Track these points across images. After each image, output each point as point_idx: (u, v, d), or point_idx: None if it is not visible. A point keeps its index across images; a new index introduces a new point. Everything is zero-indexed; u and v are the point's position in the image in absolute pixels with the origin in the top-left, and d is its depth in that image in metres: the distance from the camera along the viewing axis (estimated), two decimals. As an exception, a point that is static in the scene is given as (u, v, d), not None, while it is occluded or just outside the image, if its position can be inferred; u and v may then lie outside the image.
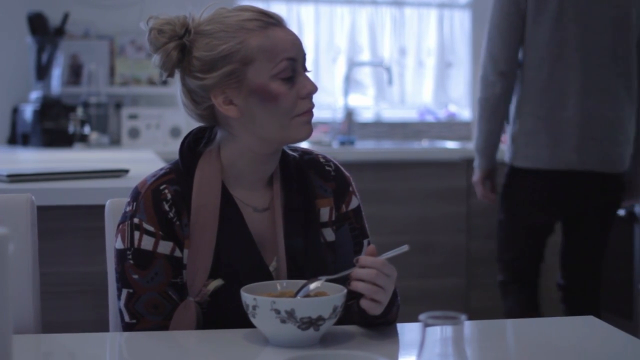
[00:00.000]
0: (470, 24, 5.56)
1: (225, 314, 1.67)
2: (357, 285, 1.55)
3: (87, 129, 4.60)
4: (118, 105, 4.97)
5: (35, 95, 4.65)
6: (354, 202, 1.85)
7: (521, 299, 3.49)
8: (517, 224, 3.44)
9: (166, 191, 1.69)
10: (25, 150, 4.48)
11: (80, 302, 2.33)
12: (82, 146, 4.56)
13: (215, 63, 1.67)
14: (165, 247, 1.67)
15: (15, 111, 4.80)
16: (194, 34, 1.70)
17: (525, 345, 1.62)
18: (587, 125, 3.26)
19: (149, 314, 1.67)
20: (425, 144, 5.33)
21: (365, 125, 5.47)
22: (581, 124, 3.25)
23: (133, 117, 4.88)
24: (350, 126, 5.24)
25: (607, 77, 3.26)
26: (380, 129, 5.50)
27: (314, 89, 1.70)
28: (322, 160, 1.86)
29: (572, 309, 3.50)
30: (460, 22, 5.60)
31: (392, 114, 5.57)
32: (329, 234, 1.80)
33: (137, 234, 1.67)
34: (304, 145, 1.81)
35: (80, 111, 4.61)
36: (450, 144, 5.14)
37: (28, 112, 4.60)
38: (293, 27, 5.35)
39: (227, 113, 1.69)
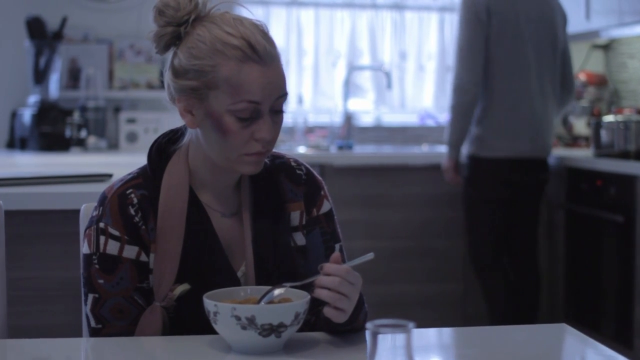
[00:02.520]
0: (472, 27, 5.52)
1: (192, 319, 1.65)
2: (320, 293, 1.53)
3: (83, 133, 4.59)
4: (117, 109, 4.97)
5: (33, 99, 4.65)
6: (326, 206, 1.82)
7: (499, 279, 4.28)
8: (485, 201, 4.24)
9: (132, 195, 1.68)
10: (22, 154, 4.47)
11: (58, 307, 2.32)
12: (79, 150, 4.55)
13: (186, 72, 1.64)
14: (130, 251, 1.66)
15: (14, 115, 4.80)
16: (191, 27, 1.65)
17: (495, 352, 1.59)
18: (536, 123, 4.19)
19: (114, 319, 1.65)
20: (425, 148, 5.30)
21: (365, 129, 5.45)
22: (532, 122, 4.18)
23: (131, 121, 4.87)
24: (350, 130, 5.22)
25: (545, 86, 4.22)
26: (381, 133, 5.48)
27: (269, 137, 1.62)
28: (293, 164, 1.83)
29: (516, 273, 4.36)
30: (462, 26, 5.56)
31: (393, 118, 5.55)
32: (299, 238, 1.78)
33: (102, 238, 1.66)
34: (275, 149, 1.77)
35: (77, 115, 4.61)
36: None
37: (26, 116, 4.60)
38: (292, 31, 5.33)
39: (184, 120, 1.68)
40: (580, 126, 5.15)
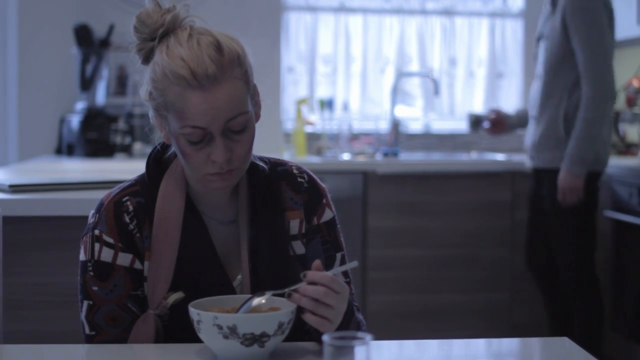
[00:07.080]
0: (523, 33, 5.45)
1: (185, 327, 1.64)
2: (298, 300, 1.49)
3: (128, 140, 4.63)
4: (164, 116, 5.00)
5: (80, 106, 4.71)
6: (328, 215, 1.79)
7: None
8: (593, 215, 3.92)
9: (128, 203, 1.68)
10: (68, 160, 4.52)
11: (72, 313, 2.33)
12: (124, 156, 4.59)
13: (151, 93, 1.62)
14: (124, 259, 1.65)
15: (62, 121, 4.87)
16: (159, 43, 1.62)
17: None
18: None
19: (107, 326, 1.65)
20: (474, 155, 5.23)
21: (413, 136, 5.40)
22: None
23: (177, 127, 4.89)
24: (397, 137, 5.17)
25: None
26: (429, 140, 5.42)
27: (221, 159, 1.57)
28: (295, 171, 1.81)
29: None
30: (513, 32, 5.49)
31: (442, 125, 5.49)
32: (298, 247, 1.76)
33: (97, 245, 1.66)
34: (277, 155, 1.75)
35: (122, 122, 4.65)
36: (499, 156, 5.04)
37: (74, 122, 4.66)
38: (341, 37, 5.31)
39: (161, 134, 1.67)
40: (633, 134, 5.03)
